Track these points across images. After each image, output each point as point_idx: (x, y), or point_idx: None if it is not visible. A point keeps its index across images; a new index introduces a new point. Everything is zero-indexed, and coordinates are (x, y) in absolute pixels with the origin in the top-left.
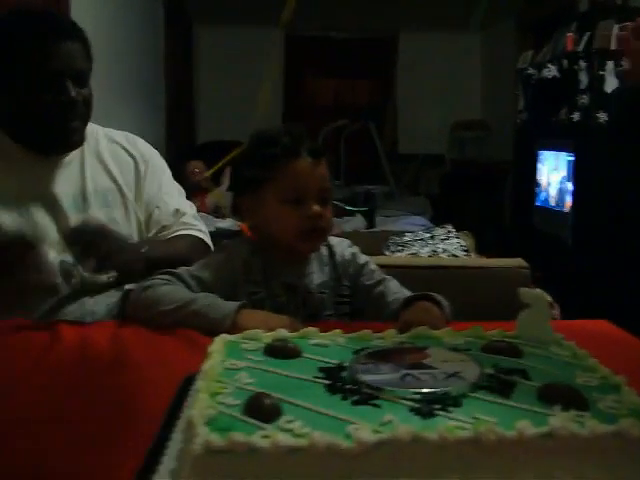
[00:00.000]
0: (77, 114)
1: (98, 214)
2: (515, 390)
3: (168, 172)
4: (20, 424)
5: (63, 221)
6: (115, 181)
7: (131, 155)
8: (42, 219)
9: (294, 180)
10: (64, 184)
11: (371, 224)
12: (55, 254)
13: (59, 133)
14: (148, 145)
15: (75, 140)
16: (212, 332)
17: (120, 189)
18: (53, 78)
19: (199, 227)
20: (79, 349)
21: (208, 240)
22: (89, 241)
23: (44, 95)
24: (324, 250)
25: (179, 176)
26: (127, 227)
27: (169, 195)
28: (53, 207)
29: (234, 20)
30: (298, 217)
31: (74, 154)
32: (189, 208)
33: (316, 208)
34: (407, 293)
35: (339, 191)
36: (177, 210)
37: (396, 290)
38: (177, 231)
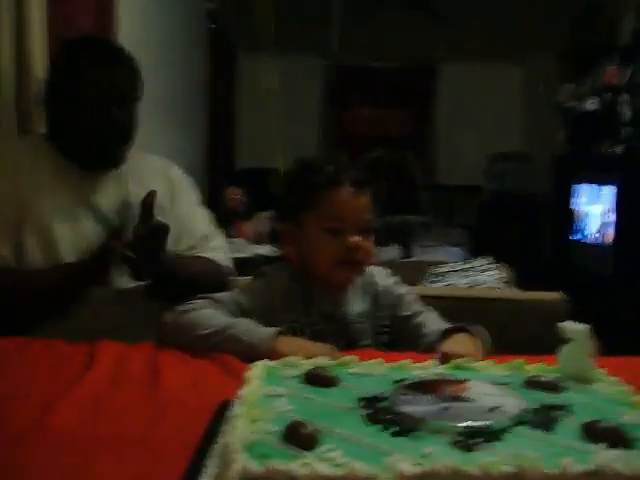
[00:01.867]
0: (120, 136)
1: None
2: (558, 426)
3: (198, 199)
4: (67, 441)
5: (109, 231)
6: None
7: (166, 177)
8: (91, 229)
9: (335, 209)
10: (109, 197)
11: (408, 254)
12: None
13: (102, 152)
14: (181, 171)
15: (116, 159)
16: (249, 357)
17: (160, 204)
18: (99, 101)
19: (222, 254)
20: (115, 370)
21: (228, 269)
22: (156, 240)
23: (90, 116)
24: (365, 279)
25: (217, 202)
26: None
27: (198, 219)
28: (100, 218)
29: (277, 48)
30: (336, 247)
31: (117, 171)
32: (218, 236)
33: (355, 239)
34: (446, 325)
35: (375, 221)
36: (205, 235)
37: (435, 322)
38: (202, 252)
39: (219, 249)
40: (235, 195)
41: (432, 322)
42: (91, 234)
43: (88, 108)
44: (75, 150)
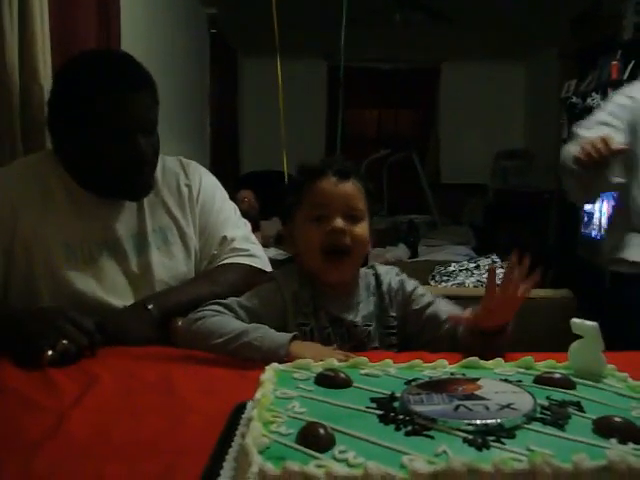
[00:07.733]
0: (148, 165)
1: (157, 253)
2: (569, 422)
3: (220, 193)
4: (81, 449)
5: (125, 264)
6: (173, 217)
7: (186, 184)
8: (107, 264)
9: (317, 198)
10: (124, 227)
11: (414, 254)
12: (120, 301)
13: (132, 185)
14: (200, 167)
15: (147, 188)
16: (266, 363)
17: (178, 224)
18: (125, 135)
19: (250, 251)
20: (128, 376)
21: (261, 263)
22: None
23: (115, 152)
24: (371, 279)
25: None
26: (187, 263)
27: (219, 221)
28: (116, 251)
29: (278, 51)
30: (320, 233)
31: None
32: (240, 230)
33: (338, 222)
34: (458, 308)
35: (382, 221)
36: (224, 237)
37: (448, 307)
38: (225, 259)
39: (247, 247)
40: (246, 198)
41: (446, 309)
42: (106, 271)
43: (113, 143)
44: (100, 185)
